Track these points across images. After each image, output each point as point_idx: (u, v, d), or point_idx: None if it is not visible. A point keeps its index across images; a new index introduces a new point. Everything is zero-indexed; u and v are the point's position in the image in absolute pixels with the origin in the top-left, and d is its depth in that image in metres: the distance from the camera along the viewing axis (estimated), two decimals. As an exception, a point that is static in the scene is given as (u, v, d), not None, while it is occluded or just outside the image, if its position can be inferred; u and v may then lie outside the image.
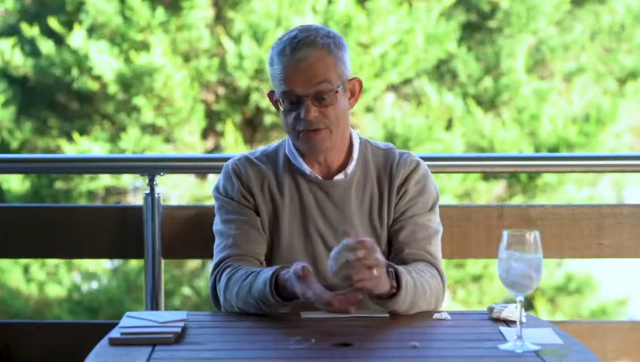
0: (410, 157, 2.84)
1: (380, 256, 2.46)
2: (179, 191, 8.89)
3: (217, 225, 2.83)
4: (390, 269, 2.57)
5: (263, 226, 2.80)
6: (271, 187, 2.81)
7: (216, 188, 2.85)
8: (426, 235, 2.79)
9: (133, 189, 9.30)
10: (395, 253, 2.78)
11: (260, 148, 2.93)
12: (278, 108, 2.80)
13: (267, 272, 2.60)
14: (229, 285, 2.69)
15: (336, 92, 2.70)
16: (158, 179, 3.42)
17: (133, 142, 8.74)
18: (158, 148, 8.78)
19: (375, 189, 2.81)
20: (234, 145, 8.69)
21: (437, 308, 2.72)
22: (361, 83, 2.81)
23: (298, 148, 2.80)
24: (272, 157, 2.85)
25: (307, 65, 2.68)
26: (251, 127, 9.17)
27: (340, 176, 2.80)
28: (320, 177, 2.80)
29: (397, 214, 2.80)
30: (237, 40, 8.77)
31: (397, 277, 2.57)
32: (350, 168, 2.80)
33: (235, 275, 2.69)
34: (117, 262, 9.24)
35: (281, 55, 2.71)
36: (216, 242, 2.82)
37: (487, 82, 9.39)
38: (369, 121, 9.19)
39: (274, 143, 2.90)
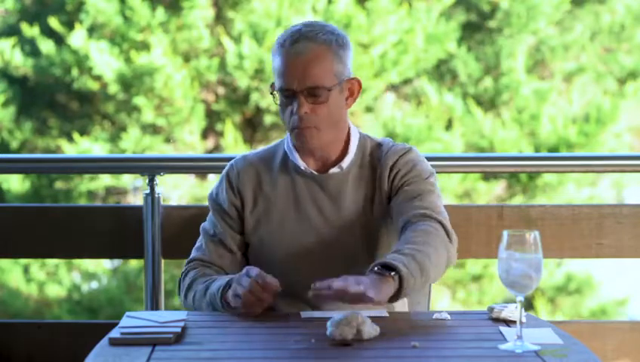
0: (403, 145, 2.82)
1: (355, 277, 2.43)
2: (179, 191, 8.89)
3: (204, 223, 2.91)
4: (379, 270, 2.50)
5: (248, 224, 2.82)
6: (264, 185, 2.82)
7: (211, 192, 2.91)
8: (419, 193, 2.73)
9: (133, 189, 9.30)
10: (397, 221, 2.73)
11: (264, 146, 2.95)
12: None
13: (223, 279, 2.68)
14: (191, 286, 2.79)
15: (330, 90, 2.69)
16: (158, 179, 3.42)
17: (133, 142, 8.75)
18: (158, 148, 8.78)
19: (369, 179, 2.80)
20: (234, 145, 8.70)
21: (450, 263, 2.67)
22: (360, 83, 2.79)
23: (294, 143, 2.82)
24: (272, 153, 2.86)
25: (304, 59, 2.68)
26: (251, 127, 9.17)
27: (335, 170, 2.79)
28: (315, 172, 2.80)
29: (393, 192, 2.77)
30: (237, 40, 8.78)
31: (398, 274, 2.50)
32: (346, 162, 2.79)
33: (198, 279, 2.79)
34: (117, 262, 9.24)
35: (281, 47, 2.71)
36: (199, 238, 2.90)
37: (487, 82, 9.39)
38: (369, 121, 9.19)
39: (277, 141, 2.91)
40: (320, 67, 2.69)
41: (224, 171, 2.89)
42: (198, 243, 2.89)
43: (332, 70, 2.70)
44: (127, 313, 2.57)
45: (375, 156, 2.82)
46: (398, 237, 2.72)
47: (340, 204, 2.78)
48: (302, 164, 2.79)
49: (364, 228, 2.78)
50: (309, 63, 2.68)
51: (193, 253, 2.88)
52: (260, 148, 2.94)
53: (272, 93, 2.78)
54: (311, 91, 2.69)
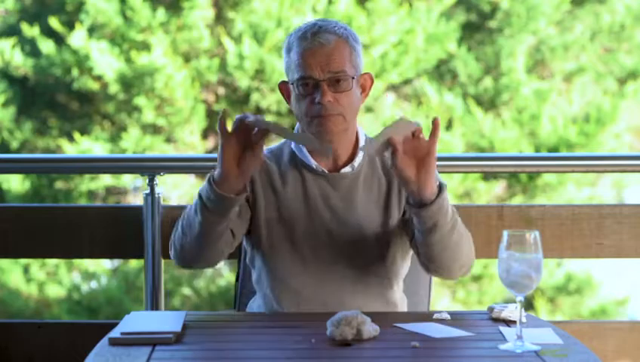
0: None
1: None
2: (179, 191, 8.90)
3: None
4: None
5: (259, 218, 2.76)
6: (273, 181, 2.79)
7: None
8: None
9: (133, 189, 9.30)
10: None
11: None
12: (288, 98, 2.80)
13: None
14: (182, 222, 2.70)
15: (353, 78, 2.72)
16: (158, 179, 3.42)
17: (134, 142, 8.75)
18: (158, 148, 8.78)
19: (383, 180, 2.80)
20: (234, 145, 8.68)
21: (470, 257, 2.72)
22: (372, 78, 2.81)
23: None
24: (277, 153, 2.85)
25: (327, 49, 2.70)
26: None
27: (347, 169, 2.79)
28: (326, 170, 2.79)
29: (403, 198, 2.78)
30: (237, 40, 8.78)
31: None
32: (357, 161, 2.79)
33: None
34: (117, 262, 9.24)
35: (302, 39, 2.72)
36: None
37: (487, 82, 9.39)
38: (369, 121, 9.19)
39: (278, 142, 2.89)
40: (342, 56, 2.72)
41: None
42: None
43: (351, 61, 2.73)
44: (128, 313, 2.57)
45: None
46: (410, 240, 2.76)
47: (352, 203, 2.77)
48: (313, 162, 2.78)
49: (378, 227, 2.77)
50: (332, 52, 2.71)
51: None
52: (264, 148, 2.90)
53: (287, 90, 2.78)
54: (335, 77, 2.70)
